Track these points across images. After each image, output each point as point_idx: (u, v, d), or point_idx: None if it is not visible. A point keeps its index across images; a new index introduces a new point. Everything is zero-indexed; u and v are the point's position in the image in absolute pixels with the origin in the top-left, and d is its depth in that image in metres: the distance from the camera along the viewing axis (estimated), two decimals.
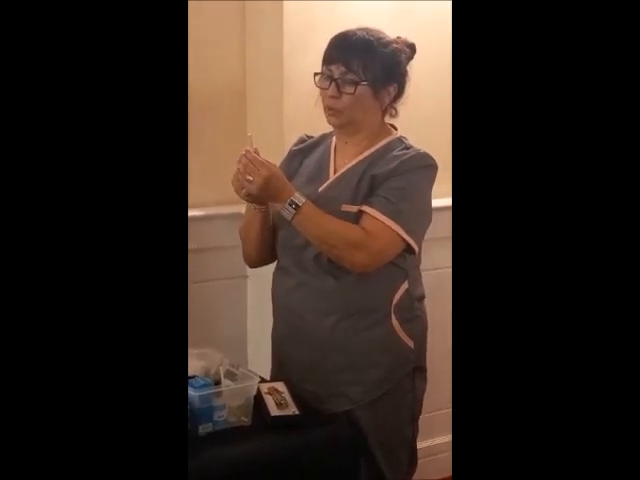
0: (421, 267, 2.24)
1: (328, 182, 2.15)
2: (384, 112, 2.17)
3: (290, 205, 2.02)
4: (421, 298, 2.23)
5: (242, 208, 2.91)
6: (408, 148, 2.14)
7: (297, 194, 2.03)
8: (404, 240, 2.07)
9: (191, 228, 2.70)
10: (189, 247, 2.66)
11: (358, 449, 2.07)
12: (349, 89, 2.07)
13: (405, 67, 2.14)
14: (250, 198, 2.09)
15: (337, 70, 2.08)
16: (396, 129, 2.21)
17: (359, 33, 2.09)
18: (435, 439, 3.06)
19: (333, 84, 2.08)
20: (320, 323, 2.13)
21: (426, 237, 2.18)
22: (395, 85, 2.13)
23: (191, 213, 2.74)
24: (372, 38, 2.09)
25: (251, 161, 2.00)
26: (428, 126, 2.78)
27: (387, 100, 2.14)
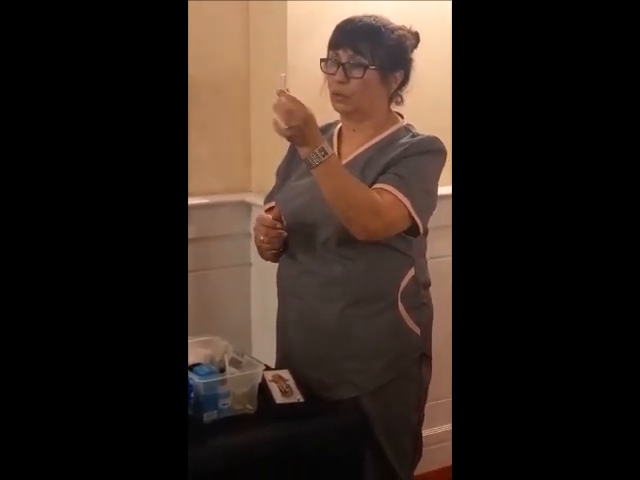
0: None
1: None
2: (390, 99, 2.16)
3: (320, 151, 1.95)
4: (427, 285, 2.22)
5: (248, 196, 2.93)
6: (415, 136, 2.13)
7: (327, 144, 1.99)
8: (411, 217, 2.06)
9: (196, 216, 2.73)
10: (195, 235, 2.70)
11: (363, 436, 2.08)
12: (357, 73, 2.05)
13: (411, 54, 2.14)
14: (285, 133, 1.97)
15: (344, 54, 2.06)
16: (402, 117, 2.20)
17: (365, 19, 2.09)
18: (438, 427, 3.07)
19: (341, 69, 2.06)
20: (326, 310, 2.13)
21: (429, 225, 2.17)
22: (402, 71, 2.12)
23: (196, 201, 2.76)
24: (379, 24, 2.08)
25: (289, 100, 1.93)
26: (432, 115, 2.77)
27: (394, 86, 2.13)
